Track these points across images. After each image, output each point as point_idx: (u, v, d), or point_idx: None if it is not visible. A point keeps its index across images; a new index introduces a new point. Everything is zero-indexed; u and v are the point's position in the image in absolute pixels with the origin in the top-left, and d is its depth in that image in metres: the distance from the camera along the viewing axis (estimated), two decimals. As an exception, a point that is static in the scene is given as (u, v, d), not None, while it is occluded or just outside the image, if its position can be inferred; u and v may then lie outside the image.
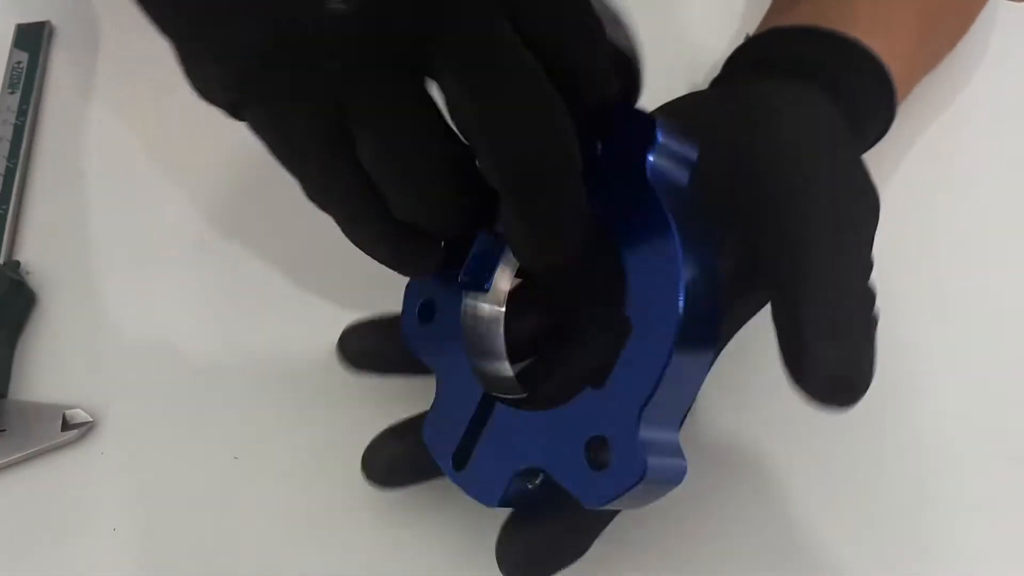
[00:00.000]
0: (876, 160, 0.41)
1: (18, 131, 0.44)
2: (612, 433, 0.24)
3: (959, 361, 0.35)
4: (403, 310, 0.31)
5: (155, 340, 0.38)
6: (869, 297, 0.27)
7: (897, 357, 0.36)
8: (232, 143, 0.43)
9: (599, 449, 0.24)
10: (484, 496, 0.27)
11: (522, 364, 0.32)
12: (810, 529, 0.32)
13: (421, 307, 0.31)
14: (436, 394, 0.29)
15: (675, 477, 0.25)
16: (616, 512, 0.29)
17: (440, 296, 0.30)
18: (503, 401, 0.27)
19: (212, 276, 0.40)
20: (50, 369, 0.38)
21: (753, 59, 0.35)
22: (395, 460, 0.31)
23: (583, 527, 0.28)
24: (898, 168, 0.41)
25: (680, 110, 0.33)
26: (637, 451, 0.23)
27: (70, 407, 0.36)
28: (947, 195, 0.39)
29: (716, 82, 0.36)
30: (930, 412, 0.34)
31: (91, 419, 0.35)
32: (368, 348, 0.33)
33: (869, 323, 0.26)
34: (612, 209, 0.26)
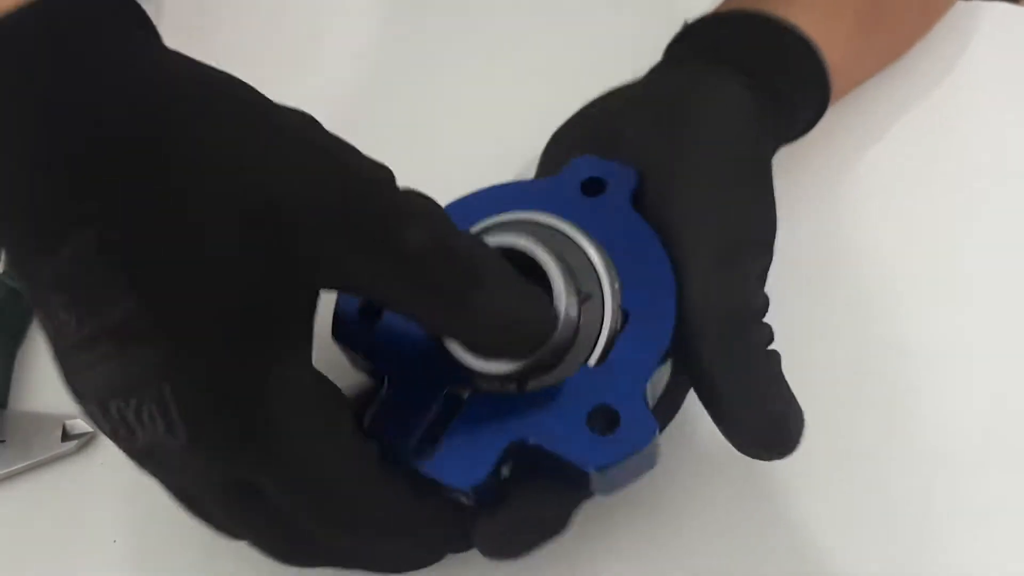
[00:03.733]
0: (878, 161, 0.41)
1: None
2: (619, 402, 0.26)
3: (961, 363, 0.35)
4: (337, 303, 0.30)
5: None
6: (771, 357, 0.28)
7: (899, 359, 0.36)
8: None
9: (603, 416, 0.26)
10: (465, 476, 0.26)
11: None
12: (808, 530, 0.32)
13: (364, 306, 0.29)
14: (381, 392, 0.28)
15: (651, 463, 0.27)
16: (588, 494, 0.28)
17: None
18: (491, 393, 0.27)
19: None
20: (50, 379, 0.37)
21: (686, 46, 0.36)
22: None
23: (559, 503, 0.28)
24: (900, 169, 0.41)
25: (607, 111, 0.34)
26: (647, 415, 0.26)
27: (70, 417, 0.35)
28: (955, 196, 0.39)
29: (652, 70, 0.36)
30: (932, 413, 0.34)
31: (91, 430, 0.35)
32: None
33: (776, 380, 0.28)
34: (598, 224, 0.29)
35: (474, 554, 0.28)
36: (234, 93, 0.24)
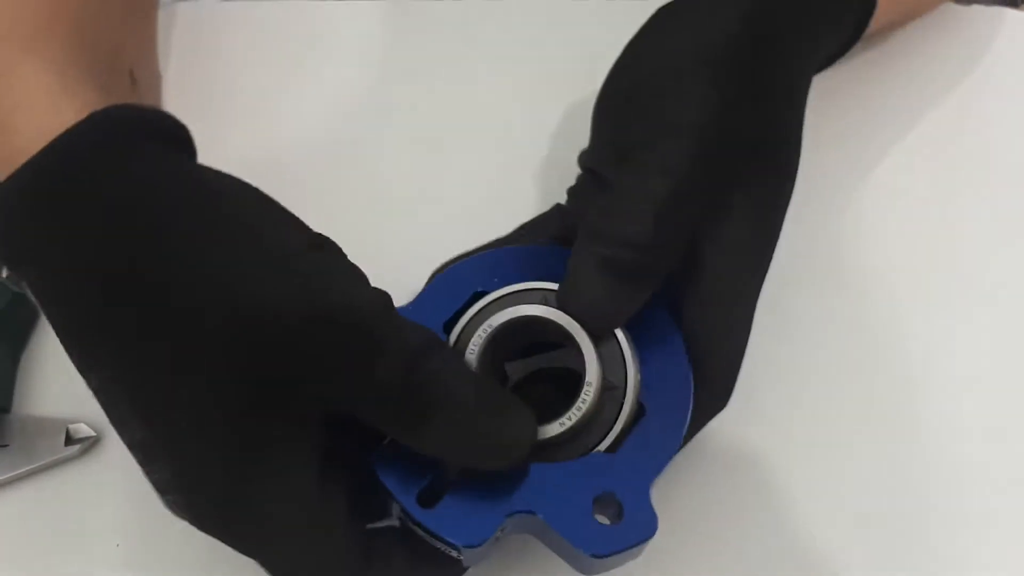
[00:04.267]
0: (882, 164, 0.41)
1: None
2: (625, 495, 0.26)
3: (962, 367, 0.36)
4: None
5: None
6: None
7: (900, 363, 0.36)
8: (236, 149, 0.43)
9: (608, 505, 0.26)
10: (465, 535, 0.27)
11: None
12: (810, 532, 0.32)
13: None
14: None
15: (639, 554, 0.27)
16: None
17: None
18: None
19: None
20: (54, 383, 0.38)
21: None
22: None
23: None
24: (903, 172, 0.41)
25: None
26: (651, 513, 0.26)
27: (74, 421, 0.35)
28: (958, 200, 0.40)
29: None
30: (933, 415, 0.34)
31: (95, 434, 0.35)
32: None
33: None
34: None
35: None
36: (239, 221, 0.26)
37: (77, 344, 0.26)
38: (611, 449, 0.27)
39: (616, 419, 0.27)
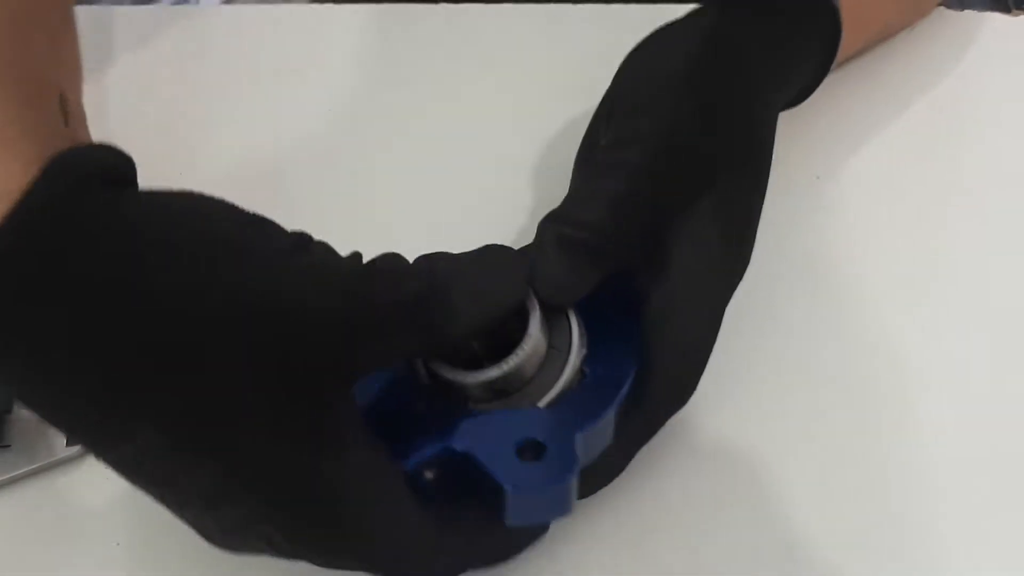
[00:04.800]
0: (874, 167, 0.41)
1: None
2: (550, 440, 0.28)
3: (955, 364, 0.36)
4: None
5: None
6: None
7: (889, 360, 0.36)
8: (234, 151, 0.43)
9: (533, 448, 0.28)
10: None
11: None
12: (805, 530, 0.33)
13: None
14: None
15: (564, 509, 0.29)
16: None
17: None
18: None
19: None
20: (54, 384, 0.38)
21: None
22: None
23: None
24: (896, 175, 0.41)
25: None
26: (572, 457, 0.28)
27: (74, 422, 0.36)
28: (950, 202, 0.40)
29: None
30: (926, 414, 0.35)
31: (95, 434, 0.35)
32: None
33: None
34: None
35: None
36: (223, 238, 0.26)
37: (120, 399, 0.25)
38: (550, 405, 0.30)
39: (557, 380, 0.30)
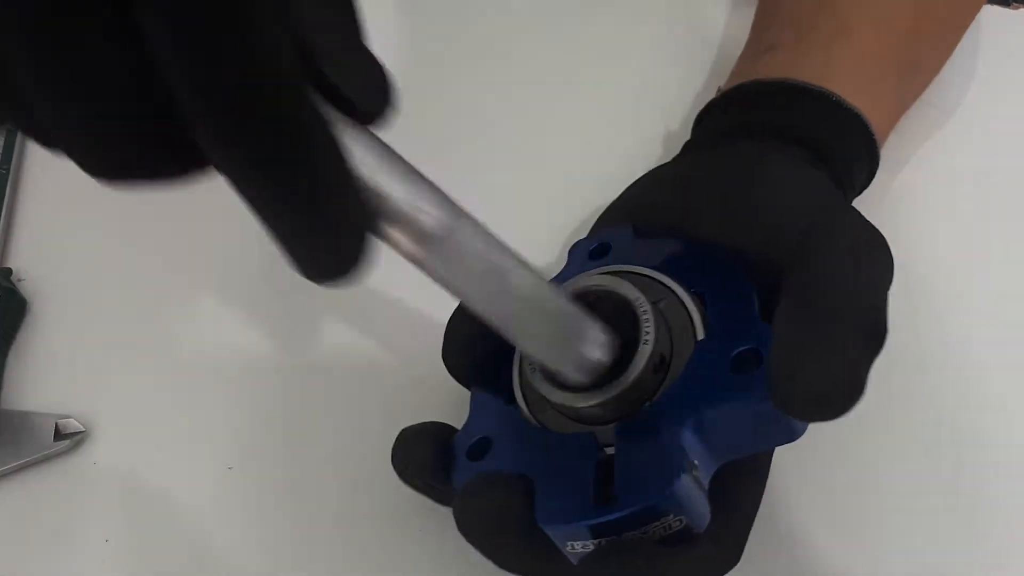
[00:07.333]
0: (881, 157, 0.41)
1: (10, 136, 0.44)
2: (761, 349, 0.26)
3: (963, 363, 0.36)
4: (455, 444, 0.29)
5: (149, 349, 0.38)
6: (875, 331, 0.27)
7: (900, 357, 0.36)
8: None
9: (746, 361, 0.26)
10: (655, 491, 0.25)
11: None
12: (805, 529, 0.32)
13: (472, 446, 0.29)
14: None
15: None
16: None
17: (495, 432, 0.29)
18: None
19: (206, 284, 0.39)
20: (42, 378, 0.38)
21: (732, 121, 0.34)
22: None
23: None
24: (898, 172, 0.41)
25: (660, 202, 0.32)
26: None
27: (63, 416, 0.35)
28: (953, 196, 0.40)
29: (688, 147, 0.36)
30: (932, 414, 0.35)
31: (84, 429, 0.35)
32: (415, 463, 0.30)
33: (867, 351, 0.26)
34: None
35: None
36: None
37: None
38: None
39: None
